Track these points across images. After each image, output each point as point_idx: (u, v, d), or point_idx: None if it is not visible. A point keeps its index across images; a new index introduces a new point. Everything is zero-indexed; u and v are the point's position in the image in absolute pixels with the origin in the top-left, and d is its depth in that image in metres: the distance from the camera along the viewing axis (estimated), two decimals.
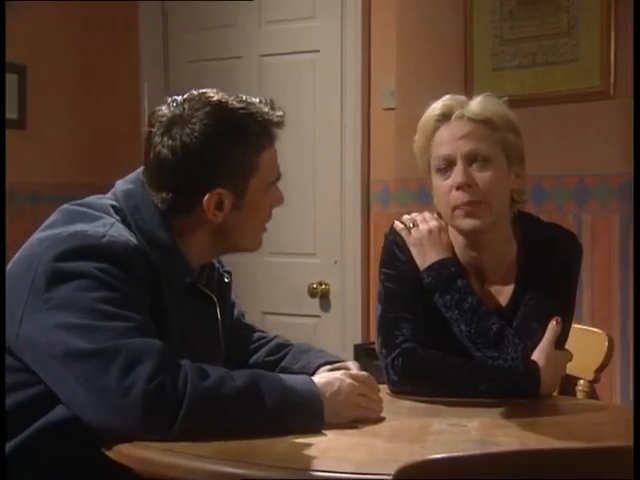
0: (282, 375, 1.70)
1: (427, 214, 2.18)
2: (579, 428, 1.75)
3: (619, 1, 3.24)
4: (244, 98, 1.79)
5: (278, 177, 1.84)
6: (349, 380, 1.73)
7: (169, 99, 1.78)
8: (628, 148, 3.23)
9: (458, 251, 2.14)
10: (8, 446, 1.64)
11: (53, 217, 1.77)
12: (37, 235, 1.73)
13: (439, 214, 2.17)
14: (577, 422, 1.82)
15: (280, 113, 1.79)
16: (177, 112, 1.74)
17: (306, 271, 4.08)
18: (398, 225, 2.17)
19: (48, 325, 1.59)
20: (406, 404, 1.96)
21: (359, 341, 3.90)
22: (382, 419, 1.77)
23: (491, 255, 2.12)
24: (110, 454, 1.57)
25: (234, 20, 4.31)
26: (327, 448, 1.57)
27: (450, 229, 2.14)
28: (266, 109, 1.78)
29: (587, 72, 3.30)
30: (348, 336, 3.97)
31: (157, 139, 1.75)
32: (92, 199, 1.81)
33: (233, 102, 1.76)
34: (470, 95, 3.52)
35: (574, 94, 3.32)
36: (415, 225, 2.15)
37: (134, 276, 1.65)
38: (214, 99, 1.75)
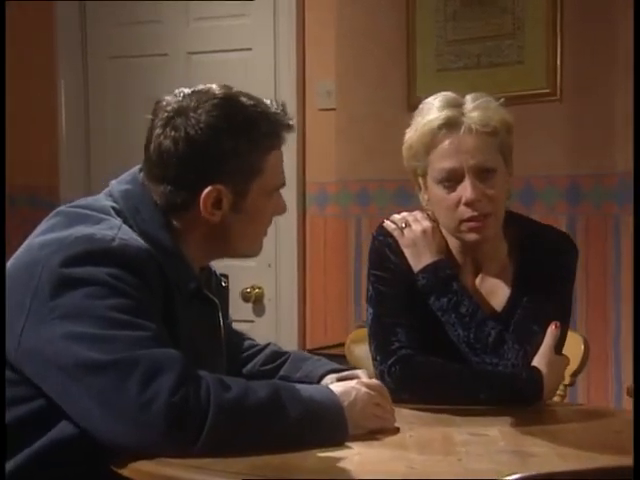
0: (300, 385, 1.61)
1: (418, 214, 2.12)
2: (602, 436, 1.72)
3: (565, 3, 3.25)
4: (255, 96, 1.71)
5: (282, 184, 1.76)
6: (365, 389, 1.66)
7: (176, 90, 1.70)
8: (574, 150, 3.26)
9: (453, 252, 2.09)
10: (9, 465, 1.52)
11: (51, 220, 1.65)
12: (36, 240, 1.60)
13: (428, 214, 2.11)
14: (597, 430, 1.78)
15: (291, 117, 1.72)
16: (183, 104, 1.65)
17: (239, 275, 3.96)
18: (390, 225, 2.11)
19: (55, 335, 1.47)
20: (408, 412, 1.89)
21: (294, 347, 3.81)
22: (397, 429, 1.70)
23: (485, 255, 2.08)
24: (125, 472, 1.47)
25: (159, 16, 4.18)
26: (361, 462, 1.50)
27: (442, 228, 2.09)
28: (277, 110, 1.70)
29: (533, 74, 3.31)
30: (283, 342, 3.85)
31: (159, 130, 1.66)
32: (89, 201, 1.69)
33: (243, 98, 1.68)
34: (414, 96, 3.57)
35: (520, 96, 3.31)
36: (407, 225, 2.09)
37: (147, 282, 1.55)
38: (223, 93, 1.67)
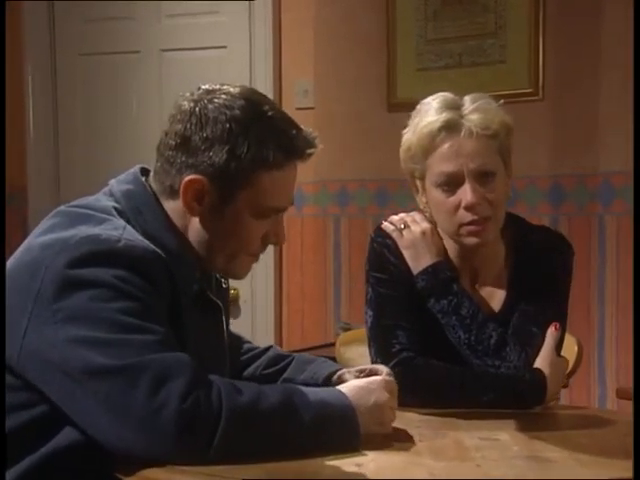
0: (312, 389, 1.56)
1: (416, 215, 2.09)
2: (612, 440, 1.69)
3: (547, 1, 3.24)
4: (284, 112, 1.63)
5: (279, 208, 1.65)
6: (384, 394, 1.60)
7: (200, 85, 1.64)
8: (556, 150, 3.25)
9: (451, 254, 2.06)
10: (9, 474, 1.46)
11: (50, 220, 1.58)
12: (37, 240, 1.54)
13: (425, 215, 2.08)
14: (605, 433, 1.76)
15: (312, 147, 1.62)
16: (202, 96, 1.60)
17: None
18: (388, 227, 2.07)
19: (59, 339, 1.41)
20: (413, 416, 1.85)
21: None
22: (404, 433, 1.66)
23: (483, 257, 2.05)
24: None
25: (131, 12, 4.13)
26: (378, 468, 1.45)
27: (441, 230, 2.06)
28: (297, 134, 1.60)
29: (515, 73, 3.29)
30: (259, 343, 3.80)
31: (170, 126, 1.61)
32: (90, 200, 1.63)
33: (266, 106, 1.60)
34: (394, 96, 3.54)
35: (502, 96, 3.27)
36: (406, 226, 2.06)
37: (154, 284, 1.49)
38: (244, 94, 1.60)
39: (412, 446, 1.60)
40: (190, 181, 1.57)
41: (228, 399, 1.40)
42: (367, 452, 1.51)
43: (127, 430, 1.37)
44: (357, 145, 3.54)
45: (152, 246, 1.52)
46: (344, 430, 1.50)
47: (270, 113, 1.60)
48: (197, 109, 1.57)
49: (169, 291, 1.53)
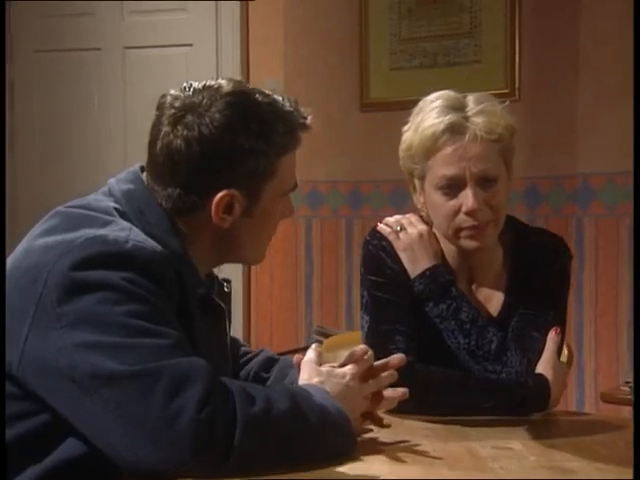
0: (306, 388, 1.51)
1: (412, 216, 2.03)
2: (626, 447, 1.64)
3: (523, 1, 3.21)
4: (267, 92, 1.59)
5: (294, 186, 1.66)
6: (357, 385, 1.56)
7: (184, 84, 1.56)
8: (532, 151, 3.22)
9: (448, 256, 2.00)
10: None
11: (50, 222, 1.50)
12: (36, 242, 1.45)
13: (421, 216, 2.03)
14: (617, 440, 1.71)
15: (308, 115, 1.60)
16: (194, 100, 1.52)
17: None
18: (384, 229, 2.01)
19: (65, 344, 1.34)
20: (417, 424, 1.80)
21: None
22: (407, 442, 1.61)
23: (480, 259, 2.00)
24: None
25: (92, 8, 4.02)
26: None
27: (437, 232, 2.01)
28: (292, 109, 1.58)
29: (491, 73, 3.26)
30: None
31: (167, 128, 1.52)
32: (89, 201, 1.55)
33: (258, 95, 1.56)
34: (366, 96, 3.49)
35: None
36: (402, 228, 2.00)
37: (164, 286, 1.43)
38: (237, 89, 1.55)
39: (425, 457, 1.54)
40: (220, 199, 1.53)
41: (242, 407, 1.35)
42: (381, 464, 1.46)
43: (140, 440, 1.30)
44: (329, 146, 3.47)
45: (160, 247, 1.46)
46: (344, 432, 1.48)
47: (264, 99, 1.56)
48: (204, 125, 1.50)
49: (178, 294, 1.47)
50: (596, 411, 2.93)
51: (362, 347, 1.64)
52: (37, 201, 3.85)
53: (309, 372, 1.56)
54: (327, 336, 3.33)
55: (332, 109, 3.52)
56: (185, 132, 1.50)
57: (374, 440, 1.61)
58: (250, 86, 1.59)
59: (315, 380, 1.53)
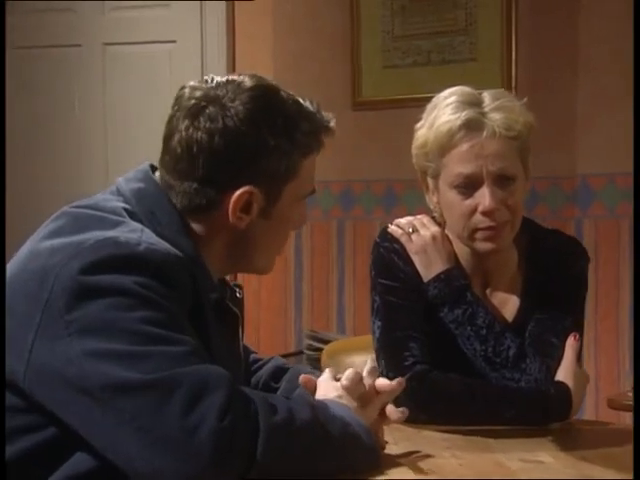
0: (321, 400, 1.46)
1: (425, 218, 1.96)
2: None
3: None
4: (291, 92, 1.53)
5: (312, 191, 1.59)
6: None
7: (205, 77, 1.49)
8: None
9: (461, 259, 1.92)
10: None
11: (55, 222, 1.42)
12: (42, 244, 1.37)
13: (432, 217, 1.95)
14: None
15: (332, 118, 1.55)
16: (218, 92, 1.45)
17: None
18: (396, 230, 1.93)
19: (75, 353, 1.26)
20: (436, 435, 1.71)
21: None
22: (431, 455, 1.53)
23: (495, 262, 1.93)
24: None
25: (72, 4, 3.91)
26: None
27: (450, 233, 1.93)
28: (315, 110, 1.53)
29: (486, 72, 3.19)
30: None
31: (187, 121, 1.44)
32: (97, 200, 1.47)
33: (282, 92, 1.51)
34: (358, 94, 3.41)
35: None
36: (415, 230, 1.92)
37: (178, 291, 1.35)
38: (261, 84, 1.49)
39: (453, 470, 1.47)
40: (239, 196, 1.46)
41: (264, 416, 1.29)
42: (392, 473, 1.40)
43: (157, 452, 1.23)
44: None
45: (175, 250, 1.38)
46: (364, 445, 1.42)
47: (289, 97, 1.52)
48: (228, 117, 1.43)
49: (192, 299, 1.40)
50: (596, 417, 2.87)
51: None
52: (18, 200, 3.73)
53: (325, 388, 1.51)
54: (319, 340, 3.27)
55: (323, 108, 3.42)
56: (208, 124, 1.43)
57: (394, 452, 1.54)
58: (274, 83, 1.52)
59: (332, 395, 1.48)
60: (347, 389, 1.47)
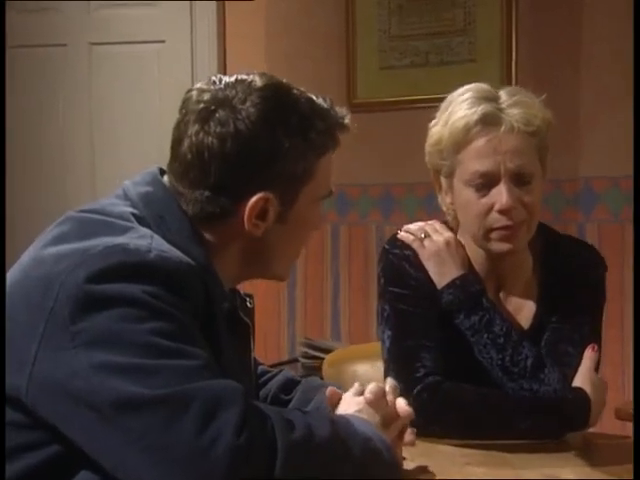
0: (342, 415, 1.41)
1: (436, 223, 1.90)
2: None
3: None
4: (302, 89, 1.46)
5: (330, 192, 1.53)
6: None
7: (213, 78, 1.42)
8: None
9: (475, 263, 1.85)
10: None
11: (60, 228, 1.34)
12: (46, 251, 1.30)
13: (445, 222, 1.88)
14: None
15: (346, 114, 1.48)
16: (227, 93, 1.39)
17: None
18: (407, 237, 1.86)
19: (81, 366, 1.19)
20: (451, 449, 1.65)
21: None
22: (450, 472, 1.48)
23: (510, 266, 1.86)
24: None
25: (56, 3, 3.81)
26: None
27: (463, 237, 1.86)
28: (329, 107, 1.46)
29: (486, 73, 3.12)
30: None
31: (196, 126, 1.37)
32: (104, 205, 1.40)
33: (295, 91, 1.44)
34: (354, 96, 3.32)
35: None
36: (427, 236, 1.84)
37: (190, 301, 1.29)
38: (272, 82, 1.42)
39: None
40: (254, 203, 1.39)
41: (282, 433, 1.22)
42: None
43: (169, 472, 1.17)
44: None
45: (186, 258, 1.31)
46: (385, 462, 1.36)
47: (302, 95, 1.45)
48: (240, 120, 1.37)
49: (204, 309, 1.33)
50: (601, 426, 2.78)
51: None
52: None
53: (348, 403, 1.46)
54: (315, 348, 3.19)
55: None
56: (218, 129, 1.37)
57: (415, 467, 1.49)
58: (285, 81, 1.45)
59: (353, 409, 1.42)
60: (371, 403, 1.41)
